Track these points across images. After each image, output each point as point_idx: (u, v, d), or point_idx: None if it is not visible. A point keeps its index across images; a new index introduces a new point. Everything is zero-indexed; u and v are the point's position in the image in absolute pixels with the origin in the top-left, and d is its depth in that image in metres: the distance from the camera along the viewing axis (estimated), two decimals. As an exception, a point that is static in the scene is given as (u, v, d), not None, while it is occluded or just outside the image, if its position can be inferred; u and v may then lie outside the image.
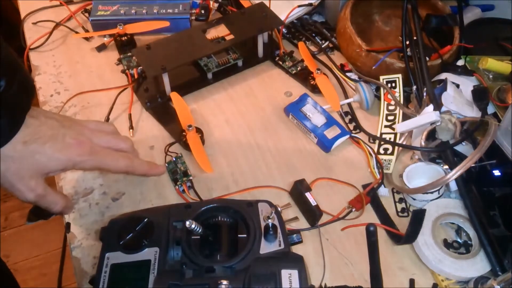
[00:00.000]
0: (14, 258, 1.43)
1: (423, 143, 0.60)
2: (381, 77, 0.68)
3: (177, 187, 0.60)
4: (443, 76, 0.67)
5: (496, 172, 0.57)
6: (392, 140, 0.64)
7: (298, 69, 0.75)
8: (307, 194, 0.57)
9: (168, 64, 0.67)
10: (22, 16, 0.85)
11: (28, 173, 0.46)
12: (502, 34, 0.73)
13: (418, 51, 0.66)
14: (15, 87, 0.44)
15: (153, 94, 0.71)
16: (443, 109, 0.61)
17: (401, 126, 0.62)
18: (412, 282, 0.52)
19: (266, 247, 0.47)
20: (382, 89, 0.68)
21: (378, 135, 0.66)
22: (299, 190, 0.58)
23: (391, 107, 0.67)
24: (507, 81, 0.65)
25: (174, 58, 0.68)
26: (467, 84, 0.66)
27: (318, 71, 0.71)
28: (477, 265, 0.52)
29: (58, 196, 0.51)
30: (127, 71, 0.72)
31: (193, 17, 0.80)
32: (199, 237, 0.48)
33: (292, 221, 0.57)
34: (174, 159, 0.62)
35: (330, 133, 0.64)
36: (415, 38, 0.68)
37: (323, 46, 0.79)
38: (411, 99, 0.66)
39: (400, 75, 0.67)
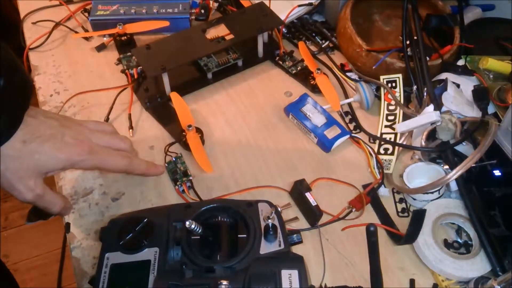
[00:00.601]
0: (14, 258, 1.43)
1: (423, 143, 0.60)
2: (381, 77, 0.68)
3: (177, 187, 0.60)
4: (443, 76, 0.67)
5: (497, 172, 0.57)
6: (392, 140, 0.64)
7: (298, 69, 0.75)
8: (307, 194, 0.57)
9: (168, 64, 0.67)
10: (22, 15, 0.84)
11: (27, 172, 0.46)
12: (503, 34, 0.73)
13: (418, 51, 0.66)
14: (13, 86, 0.44)
15: (153, 94, 0.71)
16: (444, 109, 0.61)
17: (401, 126, 0.62)
18: (412, 282, 0.52)
19: (266, 247, 0.47)
20: (382, 89, 0.68)
21: (379, 135, 0.66)
22: (299, 190, 0.57)
23: (391, 107, 0.67)
24: (508, 81, 0.65)
25: (174, 58, 0.68)
26: (468, 84, 0.65)
27: (318, 71, 0.71)
28: (477, 265, 0.52)
29: (57, 196, 0.51)
30: (126, 71, 0.72)
31: (193, 17, 0.80)
32: (199, 237, 0.48)
33: (292, 221, 0.57)
34: (174, 159, 0.62)
35: (330, 133, 0.64)
36: (415, 38, 0.67)
37: (323, 46, 0.79)
38: (411, 99, 0.66)
39: (400, 75, 0.67)
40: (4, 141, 0.44)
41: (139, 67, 0.71)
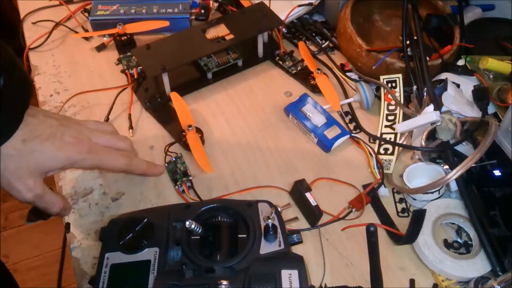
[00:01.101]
0: (14, 258, 1.43)
1: (423, 143, 0.60)
2: (382, 77, 0.68)
3: (177, 187, 0.60)
4: (443, 76, 0.67)
5: (497, 172, 0.57)
6: (392, 140, 0.64)
7: (298, 69, 0.75)
8: (307, 194, 0.57)
9: (168, 64, 0.67)
10: (22, 15, 0.84)
11: (27, 172, 0.46)
12: (503, 34, 0.73)
13: (418, 51, 0.66)
14: (13, 85, 0.44)
15: (153, 94, 0.71)
16: (444, 109, 0.61)
17: (402, 126, 0.62)
18: (412, 282, 0.52)
19: (266, 247, 0.47)
20: (382, 89, 0.68)
21: (379, 135, 0.66)
22: (299, 190, 0.57)
23: (391, 107, 0.67)
24: (508, 81, 0.65)
25: (174, 58, 0.68)
26: (468, 84, 0.65)
27: (318, 71, 0.71)
28: (477, 265, 0.52)
29: (57, 197, 0.50)
30: (126, 71, 0.72)
31: (193, 17, 0.80)
32: (199, 237, 0.48)
33: (292, 221, 0.57)
34: (174, 159, 0.62)
35: (330, 133, 0.64)
36: (415, 38, 0.67)
37: (323, 46, 0.79)
38: (411, 99, 0.66)
39: (400, 75, 0.67)
40: (4, 141, 0.44)
41: (139, 67, 0.71)
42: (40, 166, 0.47)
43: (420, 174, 0.59)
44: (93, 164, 0.50)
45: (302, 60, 0.75)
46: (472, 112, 0.62)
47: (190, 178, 0.60)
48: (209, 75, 0.73)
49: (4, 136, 0.44)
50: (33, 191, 0.47)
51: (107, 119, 0.68)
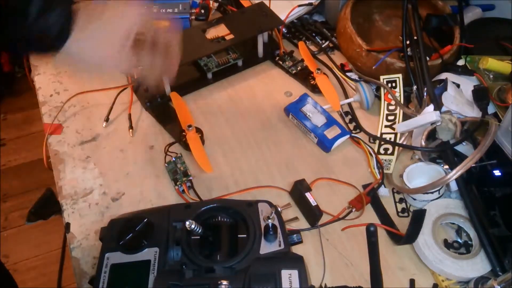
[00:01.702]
0: (14, 258, 1.43)
1: (423, 143, 0.60)
2: (382, 77, 0.68)
3: (177, 187, 0.60)
4: (443, 76, 0.67)
5: (497, 172, 0.57)
6: (392, 140, 0.64)
7: (298, 69, 0.75)
8: (307, 194, 0.57)
9: (168, 64, 0.67)
10: (22, 15, 0.84)
11: (111, 44, 0.46)
12: (503, 34, 0.73)
13: (418, 51, 0.66)
14: None
15: (153, 94, 0.71)
16: (444, 109, 0.61)
17: (402, 126, 0.62)
18: (412, 282, 0.52)
19: (266, 247, 0.47)
20: (382, 89, 0.68)
21: (378, 135, 0.66)
22: (299, 190, 0.57)
23: (391, 107, 0.67)
24: (508, 81, 0.65)
25: (174, 58, 0.68)
26: (468, 84, 0.66)
27: (318, 71, 0.71)
28: (477, 265, 0.52)
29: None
30: (127, 71, 0.72)
31: (193, 17, 0.80)
32: (199, 237, 0.48)
33: (292, 221, 0.57)
34: (174, 159, 0.62)
35: (330, 133, 0.64)
36: (415, 38, 0.67)
37: (323, 46, 0.79)
38: (411, 99, 0.66)
39: (400, 75, 0.67)
40: (68, 36, 0.44)
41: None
42: (116, 32, 0.47)
43: (420, 174, 0.59)
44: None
45: (302, 60, 0.75)
46: (472, 112, 0.62)
47: (190, 178, 0.60)
48: (209, 75, 0.73)
49: (66, 32, 0.44)
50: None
51: (107, 119, 0.68)
